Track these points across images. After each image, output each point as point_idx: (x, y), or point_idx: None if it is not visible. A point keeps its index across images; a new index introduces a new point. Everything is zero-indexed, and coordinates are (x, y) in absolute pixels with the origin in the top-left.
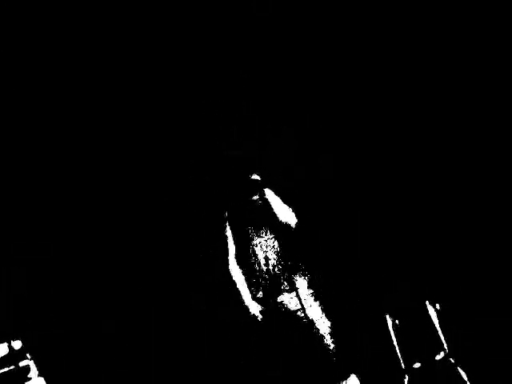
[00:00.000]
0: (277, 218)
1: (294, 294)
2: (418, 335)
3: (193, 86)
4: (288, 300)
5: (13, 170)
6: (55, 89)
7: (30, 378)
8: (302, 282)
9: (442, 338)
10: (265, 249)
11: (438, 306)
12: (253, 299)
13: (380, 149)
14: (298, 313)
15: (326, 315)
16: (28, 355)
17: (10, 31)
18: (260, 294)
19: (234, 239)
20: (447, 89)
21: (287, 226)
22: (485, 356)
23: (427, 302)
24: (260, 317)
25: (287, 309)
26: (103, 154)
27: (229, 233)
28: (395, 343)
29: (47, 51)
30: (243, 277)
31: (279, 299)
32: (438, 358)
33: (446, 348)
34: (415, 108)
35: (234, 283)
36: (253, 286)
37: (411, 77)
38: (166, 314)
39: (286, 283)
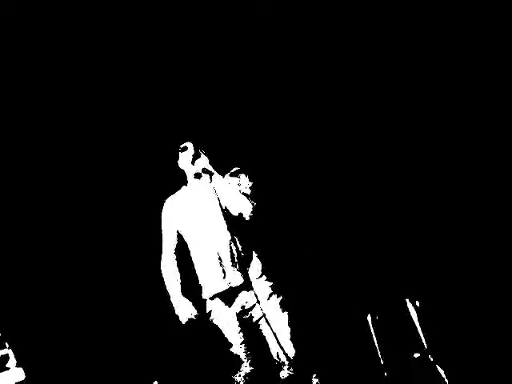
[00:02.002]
0: (232, 207)
1: (249, 291)
2: (397, 332)
3: (192, 87)
4: (243, 298)
5: (13, 170)
6: (53, 89)
7: (9, 368)
8: (256, 279)
9: (422, 335)
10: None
11: (417, 303)
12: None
13: (379, 149)
14: (253, 311)
15: (285, 314)
16: (7, 344)
17: (10, 31)
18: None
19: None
20: (446, 89)
21: (241, 216)
22: (464, 354)
23: (407, 300)
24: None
25: (243, 307)
26: (104, 155)
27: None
28: (375, 340)
29: (47, 51)
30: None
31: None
32: (416, 355)
33: (426, 345)
34: (413, 108)
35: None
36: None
37: (409, 77)
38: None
39: (238, 278)
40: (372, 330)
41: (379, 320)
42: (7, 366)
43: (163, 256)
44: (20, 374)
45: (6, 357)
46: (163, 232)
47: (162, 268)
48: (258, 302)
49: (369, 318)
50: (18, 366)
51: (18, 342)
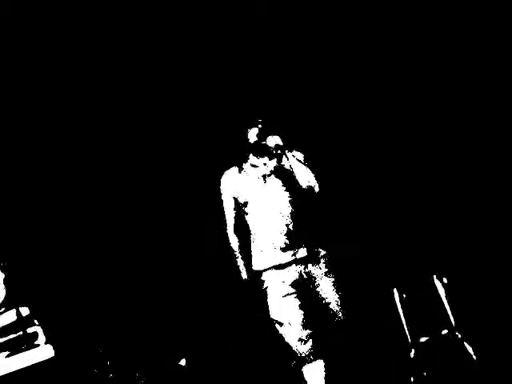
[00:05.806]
0: (297, 183)
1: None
2: (424, 309)
3: (192, 89)
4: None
5: (12, 169)
6: (54, 89)
7: (38, 345)
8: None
9: (449, 312)
10: (276, 216)
11: (445, 280)
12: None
13: (379, 148)
14: (307, 285)
15: (335, 288)
16: (36, 321)
17: (10, 31)
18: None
19: (234, 207)
20: (445, 90)
21: (309, 191)
22: (491, 331)
23: (434, 276)
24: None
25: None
26: (105, 155)
27: (226, 200)
28: (402, 317)
29: (47, 51)
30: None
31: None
32: (444, 332)
33: (453, 322)
34: (412, 108)
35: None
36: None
37: (407, 78)
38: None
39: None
40: (399, 308)
41: (407, 298)
42: (36, 343)
43: (230, 228)
44: (49, 351)
45: (36, 334)
46: (225, 204)
47: (232, 241)
48: (312, 278)
49: (396, 295)
50: (47, 343)
51: (47, 320)
